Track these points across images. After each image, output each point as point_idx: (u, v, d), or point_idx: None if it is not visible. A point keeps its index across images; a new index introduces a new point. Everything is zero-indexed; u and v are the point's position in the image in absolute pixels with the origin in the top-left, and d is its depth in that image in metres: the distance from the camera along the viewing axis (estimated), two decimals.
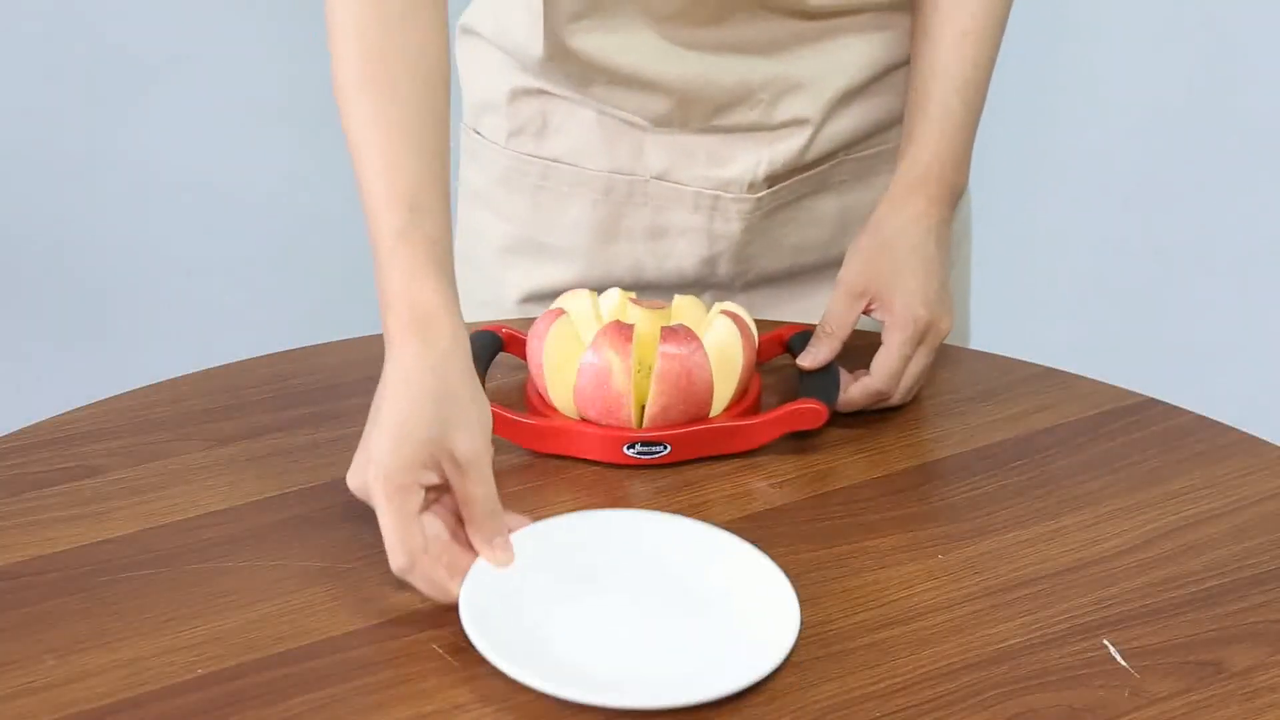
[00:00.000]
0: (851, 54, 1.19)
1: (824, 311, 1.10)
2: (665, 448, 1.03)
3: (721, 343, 1.04)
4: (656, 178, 1.21)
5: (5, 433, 1.07)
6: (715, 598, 0.89)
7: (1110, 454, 1.05)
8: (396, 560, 0.88)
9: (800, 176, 1.22)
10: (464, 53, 1.27)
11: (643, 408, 1.04)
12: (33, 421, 1.08)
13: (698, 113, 1.18)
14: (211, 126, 2.26)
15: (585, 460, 1.03)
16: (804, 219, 1.24)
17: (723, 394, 1.05)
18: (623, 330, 1.03)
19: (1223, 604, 0.90)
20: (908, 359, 1.07)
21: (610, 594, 0.90)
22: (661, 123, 1.19)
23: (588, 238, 1.24)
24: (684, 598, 0.89)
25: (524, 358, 1.11)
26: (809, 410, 1.04)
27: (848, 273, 1.09)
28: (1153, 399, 1.11)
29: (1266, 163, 2.31)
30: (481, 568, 0.90)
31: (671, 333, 1.03)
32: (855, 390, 1.07)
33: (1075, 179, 2.36)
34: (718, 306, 1.08)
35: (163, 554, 0.94)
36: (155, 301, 2.35)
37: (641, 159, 1.21)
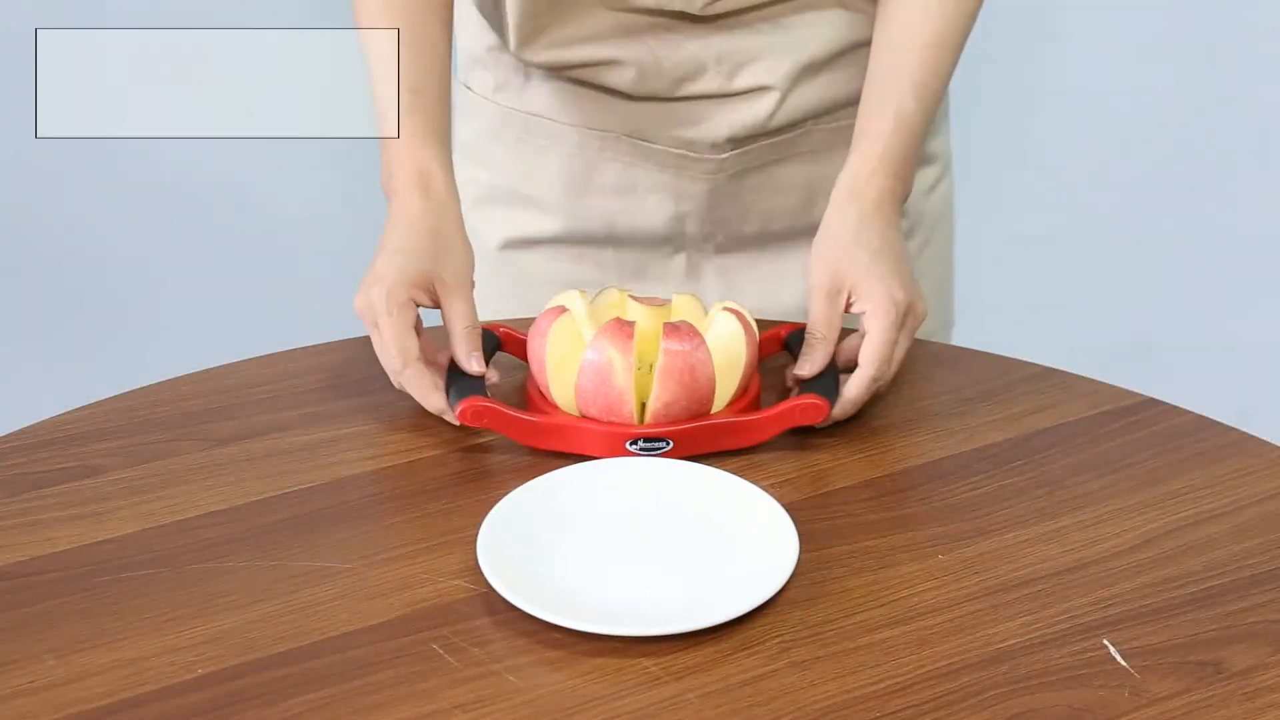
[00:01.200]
0: (811, 31, 1.22)
1: (809, 319, 1.10)
2: (668, 444, 1.03)
3: (724, 339, 1.05)
4: (627, 135, 1.25)
5: (5, 433, 1.07)
6: (718, 531, 0.95)
7: (1110, 454, 1.05)
8: (393, 362, 1.05)
9: (766, 142, 1.25)
10: (459, 7, 1.29)
11: (644, 405, 1.04)
12: (33, 421, 1.08)
13: (660, 84, 1.22)
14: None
15: (587, 457, 1.03)
16: (772, 186, 1.27)
17: (725, 390, 1.05)
18: (624, 327, 1.03)
19: (1223, 604, 0.90)
20: (894, 343, 1.07)
21: (619, 534, 0.95)
22: (627, 89, 1.22)
23: (562, 190, 1.28)
24: (689, 533, 0.95)
25: (522, 357, 1.11)
26: (810, 405, 1.04)
27: (819, 275, 1.10)
28: (1153, 399, 1.11)
29: (1268, 162, 2.31)
30: (495, 518, 0.94)
31: (674, 329, 1.03)
32: (852, 386, 1.07)
33: (1075, 179, 2.36)
34: (719, 304, 1.08)
35: (163, 554, 0.94)
36: (155, 301, 2.35)
37: (614, 116, 1.25)
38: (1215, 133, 2.29)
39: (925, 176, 1.32)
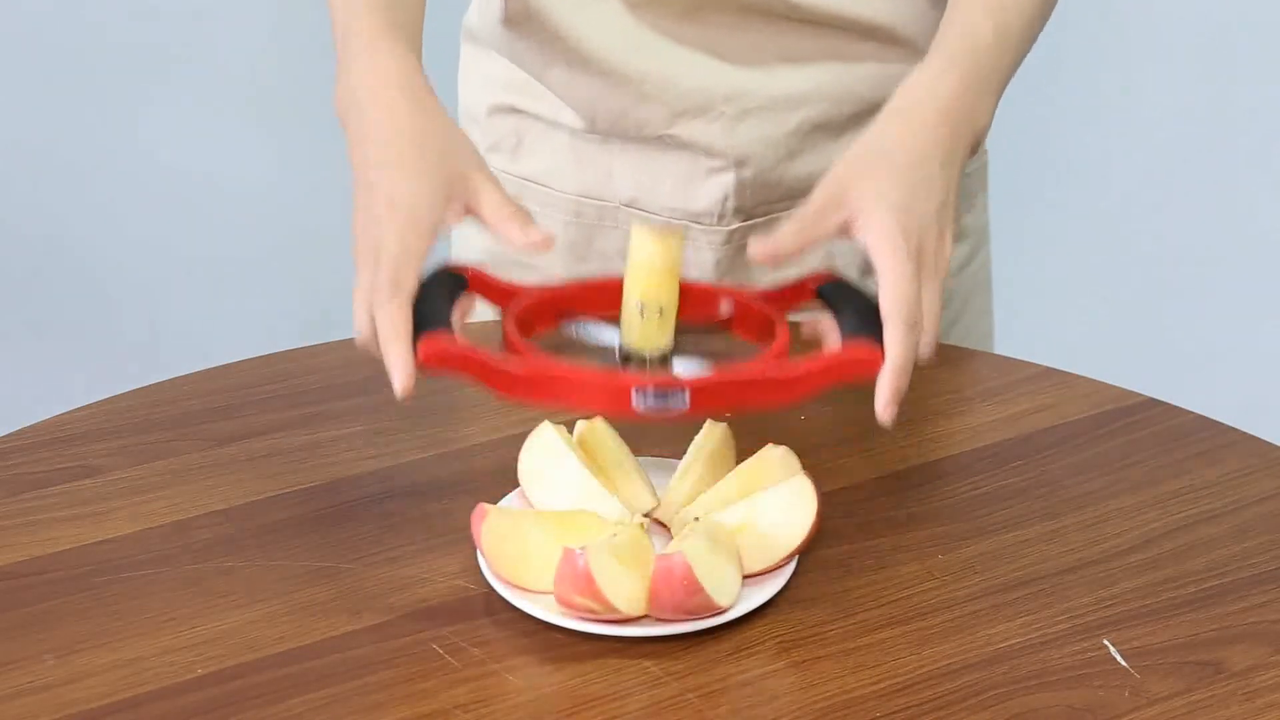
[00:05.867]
0: (834, 81, 1.14)
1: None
2: (683, 396, 0.83)
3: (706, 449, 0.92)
4: (626, 205, 1.19)
5: (5, 433, 1.07)
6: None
7: (1110, 454, 1.05)
8: (382, 289, 0.87)
9: (780, 212, 1.17)
10: (463, 57, 1.27)
11: (657, 349, 0.89)
12: (33, 422, 1.08)
13: (655, 115, 1.14)
14: (212, 125, 2.26)
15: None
16: None
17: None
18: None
19: (1223, 604, 0.90)
20: (913, 279, 0.86)
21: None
22: (616, 129, 1.16)
23: (562, 257, 1.21)
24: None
25: (496, 302, 0.94)
26: (862, 358, 0.82)
27: (831, 174, 0.93)
28: (1153, 399, 1.11)
29: (1267, 163, 2.31)
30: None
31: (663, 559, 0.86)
32: (890, 349, 0.84)
33: (1075, 179, 2.36)
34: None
35: (163, 554, 0.94)
36: (155, 301, 2.35)
37: (610, 184, 1.18)
38: (1217, 131, 2.29)
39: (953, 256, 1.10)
